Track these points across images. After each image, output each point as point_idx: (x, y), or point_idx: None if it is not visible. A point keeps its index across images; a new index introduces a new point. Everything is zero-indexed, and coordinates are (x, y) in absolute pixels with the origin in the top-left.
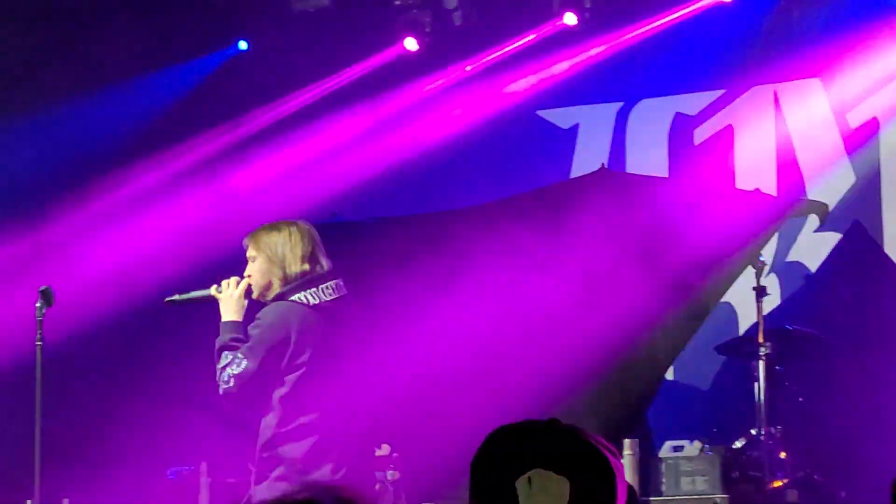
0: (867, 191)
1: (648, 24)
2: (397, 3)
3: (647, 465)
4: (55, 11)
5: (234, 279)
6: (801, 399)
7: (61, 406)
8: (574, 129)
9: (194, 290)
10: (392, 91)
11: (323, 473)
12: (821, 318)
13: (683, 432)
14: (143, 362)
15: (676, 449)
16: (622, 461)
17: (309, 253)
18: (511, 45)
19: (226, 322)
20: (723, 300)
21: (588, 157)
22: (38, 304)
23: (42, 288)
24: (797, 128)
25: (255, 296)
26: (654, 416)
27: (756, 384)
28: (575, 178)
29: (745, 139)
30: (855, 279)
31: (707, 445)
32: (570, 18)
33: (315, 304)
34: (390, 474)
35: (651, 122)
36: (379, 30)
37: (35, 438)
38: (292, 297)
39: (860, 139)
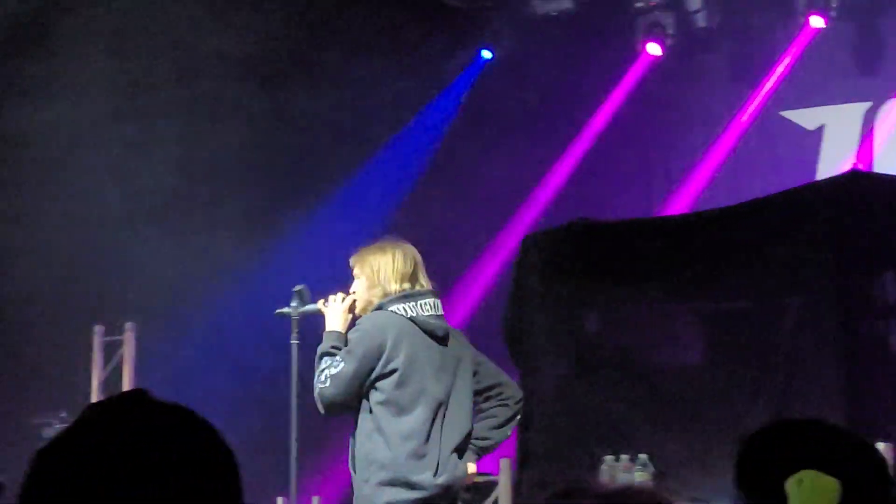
0: None
1: None
2: (639, 4)
3: None
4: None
5: (340, 294)
6: None
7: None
8: (820, 131)
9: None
10: (635, 94)
11: (424, 479)
12: None
13: None
14: None
15: None
16: None
17: (410, 273)
18: (758, 47)
19: (329, 332)
20: None
21: (834, 158)
22: (293, 304)
23: (297, 288)
24: None
25: (357, 311)
26: None
27: None
28: (823, 180)
29: None
30: None
31: None
32: (816, 21)
33: (412, 317)
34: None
35: None
36: (620, 33)
37: (291, 436)
38: (390, 308)
39: None
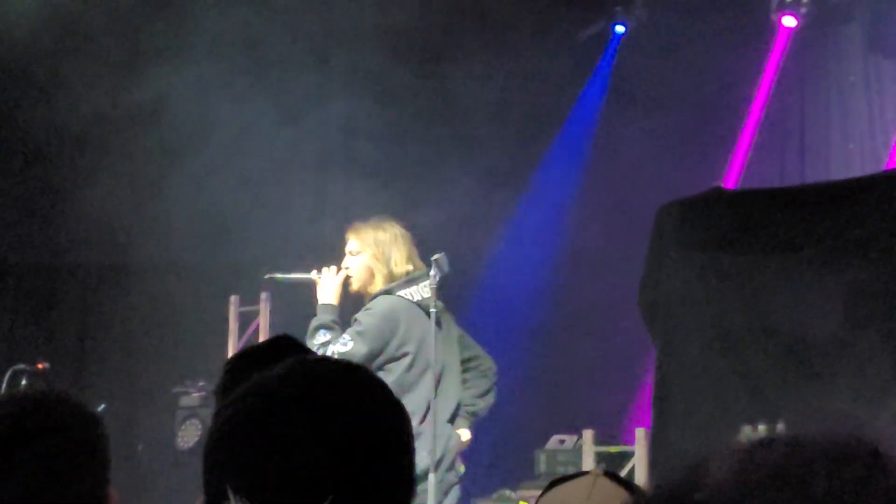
0: None
1: None
2: None
3: None
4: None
5: (333, 268)
6: None
7: None
8: None
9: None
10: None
11: (420, 458)
12: None
13: None
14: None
15: None
16: None
17: (410, 254)
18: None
19: (325, 304)
20: None
21: None
22: (431, 273)
23: (435, 257)
24: None
25: (354, 288)
26: None
27: None
28: None
29: None
30: None
31: None
32: None
33: (417, 301)
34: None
35: None
36: (754, 4)
37: None
38: (399, 293)
39: None
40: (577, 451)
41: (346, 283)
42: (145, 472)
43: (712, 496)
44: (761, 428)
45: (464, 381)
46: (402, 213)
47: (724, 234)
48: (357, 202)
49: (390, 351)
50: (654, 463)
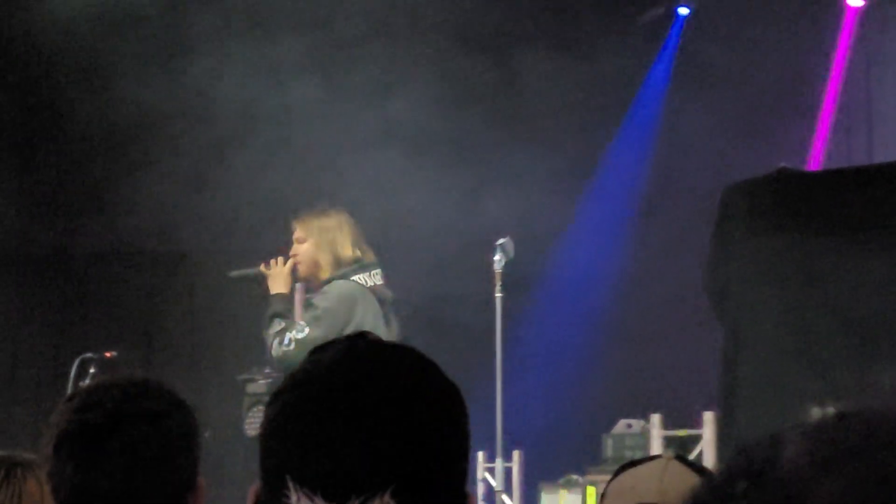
0: None
1: None
2: None
3: None
4: None
5: (281, 259)
6: None
7: None
8: None
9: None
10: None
11: None
12: None
13: None
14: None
15: None
16: None
17: (356, 240)
18: None
19: (276, 294)
20: None
21: None
22: (495, 258)
23: (500, 241)
24: None
25: (301, 274)
26: None
27: None
28: None
29: None
30: None
31: None
32: None
33: (370, 286)
34: None
35: None
36: None
37: (497, 390)
38: (353, 278)
39: None
40: (645, 435)
41: (295, 270)
42: (214, 458)
43: (787, 474)
44: (829, 409)
45: None
46: (467, 199)
47: (791, 215)
48: (419, 189)
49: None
50: (722, 446)
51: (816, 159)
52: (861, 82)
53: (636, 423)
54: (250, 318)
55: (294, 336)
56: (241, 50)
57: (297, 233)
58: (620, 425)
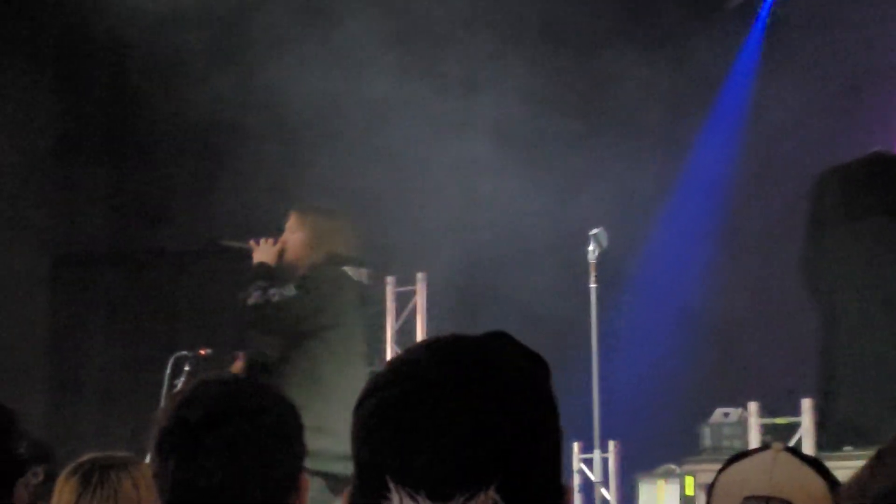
0: None
1: None
2: None
3: None
4: None
5: (270, 240)
6: None
7: None
8: None
9: None
10: None
11: None
12: None
13: None
14: None
15: None
16: None
17: (349, 243)
18: None
19: (261, 262)
20: None
21: None
22: (590, 248)
23: (593, 231)
24: None
25: (288, 259)
26: None
27: None
28: None
29: None
30: None
31: None
32: None
33: (358, 280)
34: None
35: None
36: None
37: (593, 380)
38: (345, 268)
39: None
40: (742, 423)
41: (282, 253)
42: None
43: None
44: None
45: None
46: (559, 190)
47: (886, 198)
48: (510, 178)
49: (327, 316)
50: (821, 433)
51: None
52: None
53: (733, 412)
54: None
55: (280, 291)
56: (323, 43)
57: (292, 222)
58: (717, 414)
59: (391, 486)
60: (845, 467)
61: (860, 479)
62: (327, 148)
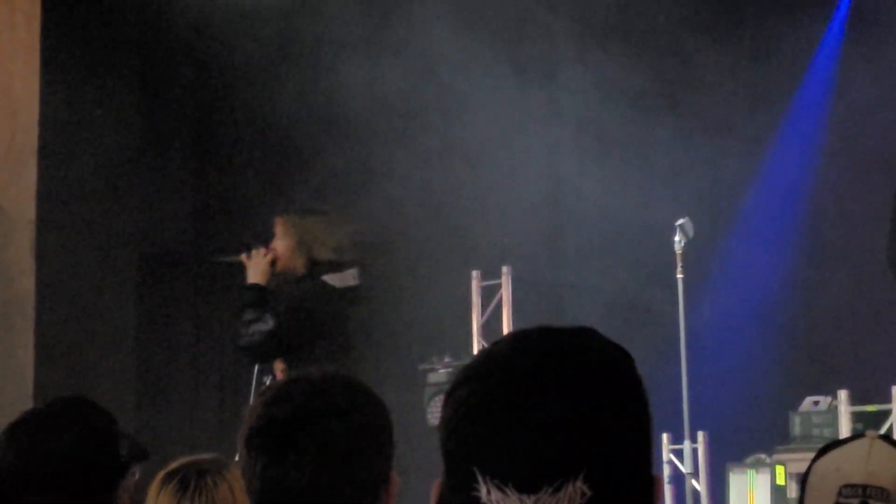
0: None
1: None
2: None
3: None
4: None
5: (262, 250)
6: None
7: None
8: None
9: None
10: None
11: None
12: None
13: None
14: None
15: None
16: None
17: (337, 243)
18: None
19: (251, 284)
20: None
21: None
22: (675, 239)
23: (679, 222)
24: None
25: (278, 268)
26: None
27: None
28: None
29: None
30: None
31: None
32: None
33: (341, 288)
34: None
35: None
36: None
37: (682, 373)
38: (323, 277)
39: None
40: (833, 411)
41: (274, 263)
42: (398, 449)
43: None
44: None
45: None
46: (642, 181)
47: None
48: (593, 170)
49: (307, 336)
50: None
51: None
52: None
53: (823, 400)
54: (429, 307)
55: (258, 329)
56: (401, 41)
57: (280, 227)
58: (807, 402)
59: (479, 477)
60: None
61: None
62: (410, 145)
